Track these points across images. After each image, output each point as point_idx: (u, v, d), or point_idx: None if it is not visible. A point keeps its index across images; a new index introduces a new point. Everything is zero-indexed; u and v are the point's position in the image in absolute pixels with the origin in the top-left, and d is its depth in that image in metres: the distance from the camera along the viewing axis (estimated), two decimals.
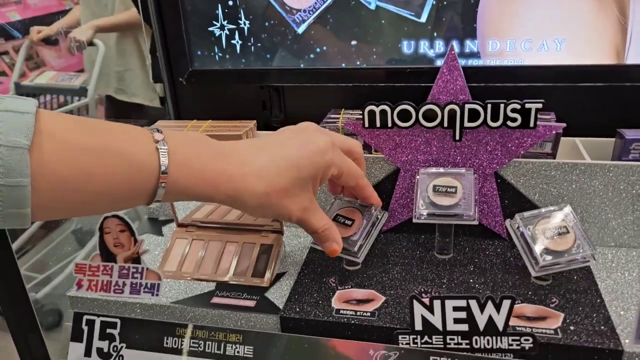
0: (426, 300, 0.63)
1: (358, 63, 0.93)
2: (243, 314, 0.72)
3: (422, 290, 0.73)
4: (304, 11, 0.91)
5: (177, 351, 0.70)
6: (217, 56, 0.98)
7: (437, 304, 0.62)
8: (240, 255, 0.81)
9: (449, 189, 0.75)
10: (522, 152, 0.77)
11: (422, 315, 0.63)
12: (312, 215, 0.62)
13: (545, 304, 0.68)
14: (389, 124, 0.78)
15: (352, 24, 0.90)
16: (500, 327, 0.61)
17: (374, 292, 0.73)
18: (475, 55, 0.88)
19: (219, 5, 0.94)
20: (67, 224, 2.34)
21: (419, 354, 0.62)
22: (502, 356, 0.62)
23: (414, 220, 0.75)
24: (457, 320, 0.62)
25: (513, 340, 0.61)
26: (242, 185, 0.54)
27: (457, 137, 0.77)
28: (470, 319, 0.62)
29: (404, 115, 0.77)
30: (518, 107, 0.73)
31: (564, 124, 0.77)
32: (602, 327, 0.64)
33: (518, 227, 0.71)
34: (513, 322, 0.66)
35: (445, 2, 0.85)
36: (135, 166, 0.49)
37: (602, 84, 0.85)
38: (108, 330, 0.73)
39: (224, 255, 0.82)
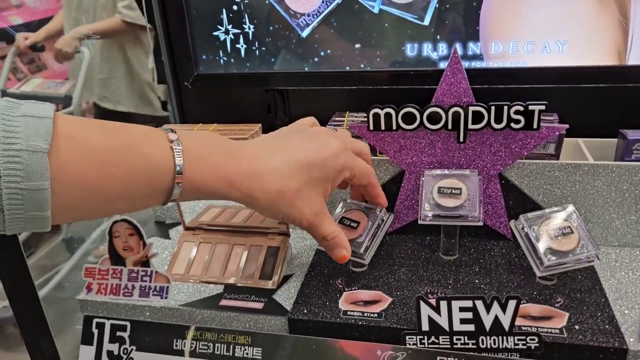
0: (433, 301, 0.63)
1: (362, 66, 0.94)
2: (251, 315, 0.73)
3: (428, 291, 0.74)
4: (308, 15, 0.92)
5: (189, 353, 0.71)
6: (222, 60, 0.99)
7: (443, 304, 0.63)
8: (247, 258, 0.82)
9: (453, 191, 0.75)
10: (525, 153, 0.78)
11: (428, 316, 0.64)
12: (322, 221, 0.62)
13: (550, 303, 0.69)
14: (394, 127, 0.79)
15: (356, 27, 0.91)
16: (507, 327, 0.62)
17: (381, 293, 0.74)
18: (478, 57, 0.89)
19: (224, 10, 0.95)
20: (57, 234, 2.32)
21: (426, 355, 0.63)
22: (508, 356, 0.62)
23: (420, 222, 0.75)
24: (463, 321, 0.63)
25: (519, 340, 0.62)
26: (255, 183, 0.55)
27: (462, 139, 0.78)
28: (477, 319, 0.63)
29: (409, 118, 0.78)
30: (521, 109, 0.74)
31: (567, 125, 0.78)
32: (607, 326, 0.64)
33: (522, 228, 0.72)
34: (519, 322, 0.66)
35: (447, 5, 0.86)
36: (151, 165, 0.50)
37: (604, 85, 0.86)
38: (118, 333, 0.74)
39: (231, 257, 0.83)
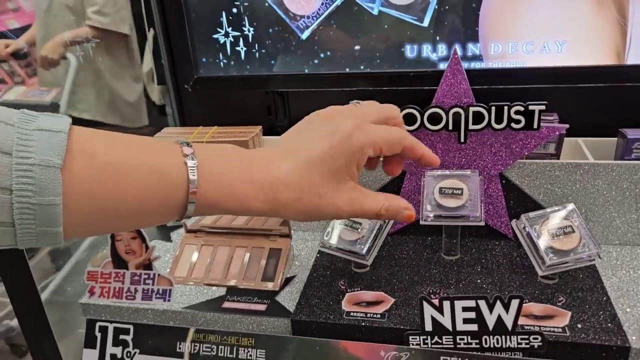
0: (436, 301, 0.64)
1: (362, 67, 0.94)
2: (254, 317, 0.73)
3: (431, 291, 0.74)
4: (308, 17, 0.92)
5: (190, 356, 0.71)
6: (222, 63, 0.99)
7: (446, 304, 0.63)
8: (249, 260, 0.82)
9: (455, 191, 0.76)
10: (526, 153, 0.78)
11: (432, 316, 0.64)
12: (364, 203, 0.57)
13: (552, 302, 0.69)
14: None
15: (355, 29, 0.91)
16: (510, 326, 0.62)
17: (383, 294, 0.74)
18: (477, 58, 0.89)
19: (223, 13, 0.95)
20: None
21: (430, 354, 0.63)
22: (511, 355, 0.63)
23: (421, 222, 0.76)
24: (466, 321, 0.63)
25: (522, 339, 0.62)
26: (272, 196, 0.52)
27: (462, 140, 0.78)
28: (480, 319, 0.63)
29: (409, 119, 0.78)
30: (522, 109, 0.74)
31: (567, 125, 0.78)
32: (609, 325, 0.65)
33: (524, 227, 0.72)
34: (521, 321, 0.67)
35: (447, 7, 0.87)
36: (164, 181, 0.48)
37: (603, 85, 0.86)
38: (121, 337, 0.75)
39: (233, 260, 0.83)
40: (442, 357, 0.62)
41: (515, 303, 0.62)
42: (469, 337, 0.63)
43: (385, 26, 0.90)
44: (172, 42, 1.03)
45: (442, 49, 0.90)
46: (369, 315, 0.70)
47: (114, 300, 0.78)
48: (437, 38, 0.89)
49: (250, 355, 0.69)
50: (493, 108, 0.75)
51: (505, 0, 0.85)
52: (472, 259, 0.80)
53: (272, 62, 0.97)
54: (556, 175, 0.80)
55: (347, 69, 0.94)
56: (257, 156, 0.54)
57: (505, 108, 0.75)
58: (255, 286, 0.79)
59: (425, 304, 0.64)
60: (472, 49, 0.89)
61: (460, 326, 0.63)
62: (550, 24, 0.84)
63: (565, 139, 0.86)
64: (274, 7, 0.93)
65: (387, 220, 0.76)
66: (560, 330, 0.65)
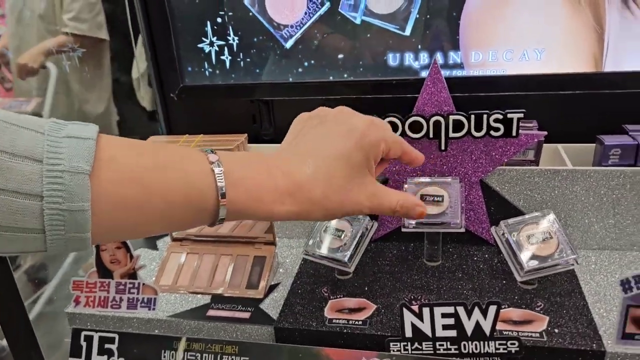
0: (415, 308, 0.65)
1: (345, 76, 0.95)
2: (238, 325, 0.74)
3: (412, 297, 0.75)
4: (291, 26, 0.93)
5: None
6: (207, 72, 1.00)
7: (426, 311, 0.64)
8: (234, 268, 0.83)
9: (436, 198, 0.77)
10: (505, 160, 0.79)
11: (412, 323, 0.65)
12: (383, 198, 0.59)
13: (531, 307, 0.71)
14: None
15: (339, 38, 0.92)
16: (488, 332, 0.63)
17: (366, 301, 0.75)
18: (459, 66, 0.90)
19: (208, 22, 0.96)
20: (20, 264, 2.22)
21: None
22: None
23: (403, 230, 0.77)
24: (445, 327, 0.64)
25: (500, 344, 0.63)
26: (299, 196, 0.54)
27: (443, 147, 0.80)
28: (459, 325, 0.64)
29: (391, 127, 0.79)
30: (500, 117, 0.76)
31: (545, 132, 0.79)
32: (586, 329, 0.66)
33: (503, 234, 0.73)
34: (500, 326, 0.68)
35: (428, 16, 0.88)
36: (192, 188, 0.49)
37: (582, 92, 0.87)
38: (106, 346, 0.75)
39: (218, 268, 0.84)
40: None
41: (492, 309, 0.63)
42: (448, 343, 0.64)
43: (368, 35, 0.91)
44: (158, 51, 1.03)
45: (424, 57, 0.91)
46: (350, 322, 0.71)
47: (99, 309, 0.78)
48: (419, 46, 0.90)
49: None
50: (472, 116, 0.77)
51: (484, 9, 0.86)
52: (453, 264, 0.81)
53: (257, 70, 0.98)
54: (535, 182, 0.81)
55: (331, 77, 0.95)
56: (278, 162, 0.55)
57: (485, 116, 0.76)
58: (240, 294, 0.80)
59: (405, 310, 0.65)
60: (454, 57, 0.90)
61: (440, 332, 0.64)
62: (529, 33, 0.86)
63: (545, 145, 0.87)
64: (258, 16, 0.94)
65: (369, 228, 0.77)
66: (537, 335, 0.66)
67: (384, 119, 0.79)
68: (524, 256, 0.70)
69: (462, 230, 0.75)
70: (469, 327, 0.64)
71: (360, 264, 0.78)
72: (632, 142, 0.79)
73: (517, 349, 0.63)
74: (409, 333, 0.65)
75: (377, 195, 0.58)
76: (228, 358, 0.70)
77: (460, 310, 0.64)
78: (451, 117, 0.77)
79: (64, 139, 0.44)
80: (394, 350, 0.65)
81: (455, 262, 0.82)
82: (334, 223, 0.77)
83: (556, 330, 0.66)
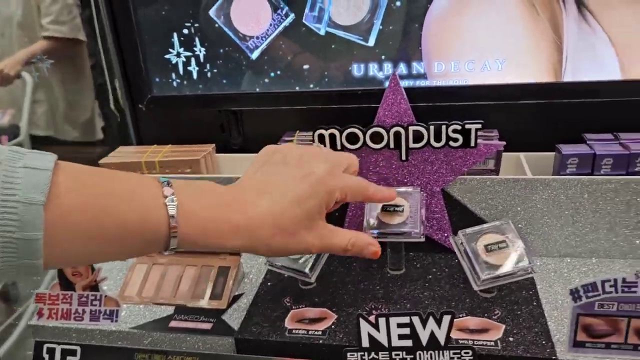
0: (372, 318, 0.65)
1: (311, 86, 0.96)
2: (200, 336, 0.74)
3: (373, 306, 0.76)
4: (257, 38, 0.94)
5: None
6: (175, 82, 1.00)
7: (382, 321, 0.65)
8: (199, 279, 0.83)
9: (396, 208, 0.78)
10: (466, 169, 0.80)
11: (368, 333, 0.65)
12: (332, 239, 0.61)
13: (488, 316, 0.71)
14: (338, 147, 0.81)
15: (304, 49, 0.93)
16: (442, 341, 0.64)
17: (327, 311, 0.75)
18: (422, 76, 0.92)
19: (175, 34, 0.96)
20: None
21: None
22: None
23: None
24: (401, 336, 0.65)
25: (454, 353, 0.64)
26: (247, 234, 0.55)
27: (404, 158, 0.81)
28: (414, 335, 0.64)
29: (352, 138, 0.80)
30: (459, 127, 0.77)
31: (504, 142, 0.80)
32: (540, 338, 0.67)
33: (461, 243, 0.74)
34: (457, 335, 0.69)
35: (391, 27, 0.89)
36: (145, 220, 0.50)
37: (542, 101, 0.89)
38: (69, 358, 0.75)
39: (183, 279, 0.84)
40: None
41: (447, 319, 0.63)
42: (404, 353, 0.65)
43: (333, 46, 0.92)
44: (126, 62, 1.04)
45: (388, 68, 0.92)
46: (310, 332, 0.71)
47: (62, 321, 0.78)
48: (383, 57, 0.91)
49: None
50: (432, 127, 0.78)
51: (446, 21, 0.87)
52: (416, 273, 0.82)
53: (224, 81, 0.99)
54: (496, 190, 0.82)
55: (297, 88, 0.96)
56: (234, 195, 0.57)
57: (444, 127, 0.77)
58: (204, 304, 0.80)
59: (362, 321, 0.65)
60: (417, 67, 0.91)
61: (396, 342, 0.65)
62: (490, 44, 0.87)
63: (508, 154, 0.88)
64: (224, 28, 0.94)
65: None
66: (492, 343, 0.67)
67: (344, 130, 0.79)
68: (481, 266, 0.71)
69: (422, 239, 0.76)
70: (424, 336, 0.64)
71: (325, 273, 0.79)
72: (589, 152, 0.81)
73: (471, 357, 0.63)
74: (365, 343, 0.66)
75: (326, 237, 0.60)
76: None
77: (416, 320, 0.64)
78: (411, 128, 0.78)
79: (20, 169, 0.45)
80: None
81: (419, 270, 0.83)
82: None
83: (511, 339, 0.67)
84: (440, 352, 0.64)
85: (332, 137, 0.81)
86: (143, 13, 0.97)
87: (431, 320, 0.64)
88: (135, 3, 0.97)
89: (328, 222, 0.61)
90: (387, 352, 0.65)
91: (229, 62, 0.97)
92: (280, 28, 0.92)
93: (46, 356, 0.76)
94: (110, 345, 0.75)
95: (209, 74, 0.98)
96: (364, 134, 0.80)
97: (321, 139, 0.81)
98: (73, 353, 0.75)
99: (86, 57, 1.88)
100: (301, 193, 0.57)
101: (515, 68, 0.88)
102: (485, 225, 0.75)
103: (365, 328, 0.66)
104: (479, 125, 0.77)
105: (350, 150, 0.81)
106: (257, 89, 0.98)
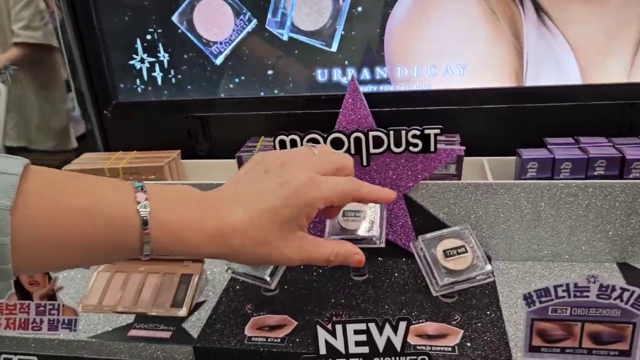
0: (329, 325, 0.65)
1: (276, 92, 0.95)
2: (159, 345, 0.73)
3: (334, 313, 0.76)
4: (220, 43, 0.93)
5: None
6: (139, 88, 1.00)
7: (339, 328, 0.65)
8: (160, 286, 0.83)
9: (356, 214, 0.77)
10: (427, 174, 0.80)
11: (325, 340, 0.65)
12: (313, 250, 0.59)
13: (447, 321, 0.71)
14: None
15: (267, 54, 0.93)
16: (398, 347, 0.64)
17: (287, 318, 0.75)
18: (385, 81, 0.92)
19: (138, 40, 0.96)
20: None
21: None
22: None
23: None
24: (358, 343, 0.64)
25: (410, 359, 0.64)
26: (221, 241, 0.54)
27: (365, 163, 0.81)
28: (370, 341, 0.64)
29: (313, 143, 0.80)
30: (418, 133, 0.77)
31: (464, 147, 0.81)
32: (497, 342, 0.67)
33: (421, 249, 0.74)
34: (415, 341, 0.69)
35: (353, 32, 0.89)
36: (116, 228, 0.50)
37: (504, 105, 0.89)
38: None
39: (145, 286, 0.83)
40: None
41: (403, 325, 0.63)
42: (361, 359, 0.65)
43: (296, 51, 0.92)
44: (91, 68, 1.03)
45: (351, 73, 0.92)
46: (269, 339, 0.71)
47: (20, 331, 0.77)
48: (346, 62, 0.91)
49: None
50: (391, 133, 0.78)
51: (407, 26, 0.88)
52: (379, 278, 0.82)
53: (189, 87, 0.98)
54: (458, 195, 0.82)
55: (262, 93, 0.96)
56: (210, 202, 0.56)
57: (403, 132, 0.77)
58: (165, 312, 0.79)
59: (319, 328, 0.65)
60: (380, 72, 0.91)
61: (353, 349, 0.65)
62: (452, 49, 0.87)
63: (471, 158, 0.89)
64: (187, 33, 0.94)
65: None
66: (450, 349, 0.67)
67: (305, 135, 0.79)
68: (439, 271, 0.71)
69: (383, 245, 0.76)
70: (380, 343, 0.64)
71: (288, 278, 0.79)
72: (548, 156, 0.81)
73: None
74: (323, 350, 0.65)
75: (305, 249, 0.58)
76: None
77: (372, 327, 0.64)
78: (371, 134, 0.78)
79: None
80: None
81: (381, 275, 0.83)
82: None
83: (468, 344, 0.67)
84: (397, 358, 0.64)
85: (293, 142, 0.80)
86: (106, 19, 0.96)
87: (387, 326, 0.64)
88: (98, 9, 0.96)
89: None
90: (344, 359, 0.65)
91: (193, 67, 0.97)
92: (244, 33, 0.92)
93: None
94: (68, 355, 0.74)
95: (173, 80, 0.98)
96: (325, 140, 0.80)
97: (282, 144, 0.81)
98: None
99: (59, 64, 1.87)
100: (274, 204, 0.55)
101: (477, 73, 0.88)
102: (444, 231, 0.75)
103: (322, 335, 0.65)
104: (438, 131, 0.77)
105: None
106: (222, 95, 0.97)
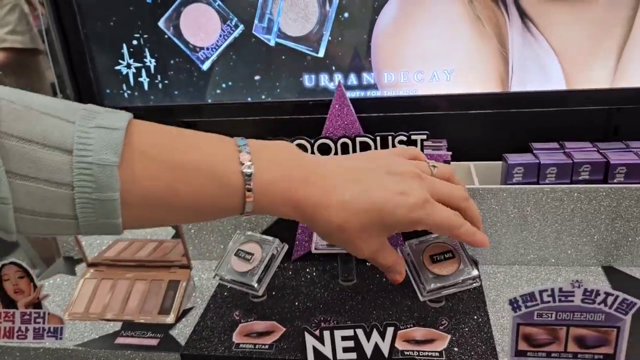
0: (317, 332, 0.65)
1: (263, 97, 0.95)
2: (146, 353, 0.73)
3: (322, 319, 0.76)
4: (207, 49, 0.93)
5: None
6: (126, 94, 0.99)
7: (326, 334, 0.65)
8: (148, 293, 0.82)
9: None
10: None
11: (313, 346, 0.65)
12: (380, 255, 0.60)
13: (435, 326, 0.72)
14: None
15: (254, 60, 0.93)
16: (386, 353, 0.64)
17: (275, 324, 0.75)
18: (373, 87, 0.92)
19: (124, 45, 0.95)
20: None
21: None
22: None
23: (313, 251, 0.77)
24: (346, 349, 0.65)
25: None
26: (320, 213, 0.54)
27: None
28: (358, 347, 0.64)
29: (301, 149, 0.80)
30: (405, 138, 0.77)
31: (450, 153, 0.81)
32: (483, 347, 0.67)
33: (408, 254, 0.74)
34: (403, 346, 0.69)
35: (340, 38, 0.89)
36: (220, 186, 0.51)
37: (491, 111, 0.90)
38: None
39: (132, 293, 0.83)
40: None
41: (390, 330, 0.63)
42: None
43: (283, 57, 0.92)
44: (77, 73, 1.02)
45: (338, 79, 0.92)
46: (257, 346, 0.71)
47: (5, 340, 0.76)
48: (333, 68, 0.92)
49: None
50: (378, 138, 0.78)
51: (394, 32, 0.88)
52: (367, 283, 0.82)
53: (176, 92, 0.98)
54: None
55: (249, 99, 0.96)
56: (319, 170, 0.56)
57: (390, 137, 0.78)
58: (152, 320, 0.79)
59: (307, 334, 0.65)
60: (367, 78, 0.92)
61: (341, 355, 0.65)
62: (438, 54, 0.88)
63: (458, 163, 0.89)
64: (174, 39, 0.94)
65: (279, 250, 0.77)
66: (437, 354, 0.67)
67: (292, 141, 0.79)
68: (426, 276, 0.71)
69: None
70: (368, 349, 0.64)
71: (276, 284, 0.78)
72: (534, 161, 0.82)
73: None
74: (311, 357, 0.65)
75: (377, 252, 0.60)
76: None
77: (360, 333, 0.64)
78: (358, 139, 0.78)
79: (93, 129, 0.45)
80: None
81: (370, 280, 0.83)
82: (244, 247, 0.77)
83: (455, 349, 0.67)
84: None
85: None
86: (92, 24, 0.96)
87: (375, 332, 0.64)
88: (83, 14, 0.95)
89: None
90: None
91: (180, 73, 0.96)
92: (230, 39, 0.92)
93: None
94: None
95: (160, 85, 0.98)
96: (312, 145, 0.80)
97: None
98: None
99: (45, 67, 1.86)
100: (385, 208, 0.55)
101: (463, 78, 0.89)
102: (431, 236, 0.75)
103: (310, 341, 0.65)
104: (425, 136, 0.77)
105: None
106: (209, 100, 0.97)
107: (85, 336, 0.77)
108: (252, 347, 0.71)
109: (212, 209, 0.52)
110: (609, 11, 0.82)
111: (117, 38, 0.95)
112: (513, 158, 0.83)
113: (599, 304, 0.59)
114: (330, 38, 0.89)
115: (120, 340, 0.75)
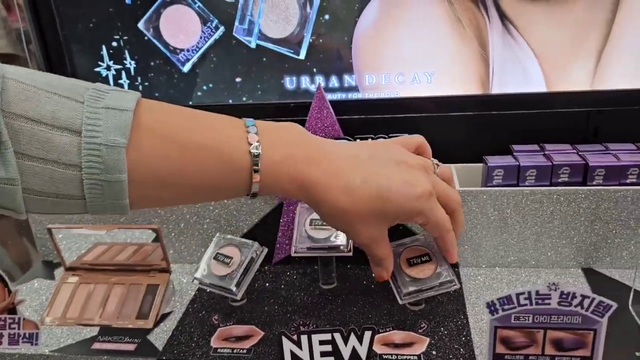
0: (295, 336, 0.64)
1: (244, 99, 0.95)
2: (123, 358, 0.72)
3: (301, 322, 0.75)
4: (187, 50, 0.93)
5: None
6: None
7: (304, 338, 0.64)
8: (126, 298, 0.81)
9: (324, 223, 0.77)
10: None
11: (291, 351, 0.65)
12: (377, 246, 0.61)
13: (414, 329, 0.71)
14: None
15: (235, 61, 0.92)
16: (364, 357, 0.64)
17: (254, 328, 0.74)
18: (354, 89, 0.92)
19: (103, 46, 0.94)
20: None
21: None
22: None
23: (292, 254, 0.77)
24: (323, 354, 0.64)
25: None
26: (325, 195, 0.55)
27: None
28: (336, 351, 0.64)
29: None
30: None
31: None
32: (462, 350, 0.67)
33: None
34: (382, 349, 0.69)
35: (321, 40, 0.89)
36: (227, 167, 0.51)
37: (472, 113, 0.90)
38: None
39: (110, 298, 0.82)
40: None
41: (368, 334, 0.63)
42: None
43: (264, 59, 0.92)
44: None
45: (319, 81, 0.92)
46: (235, 350, 0.70)
47: None
48: (314, 70, 0.91)
49: None
50: (358, 140, 0.78)
51: (375, 34, 0.88)
52: (347, 287, 0.82)
53: (157, 94, 0.97)
54: None
55: (230, 101, 0.95)
56: (325, 151, 0.56)
57: (370, 140, 0.77)
58: (130, 324, 0.78)
59: (284, 339, 0.64)
60: (349, 80, 0.91)
61: (318, 359, 0.64)
62: (419, 57, 0.88)
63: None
64: (154, 40, 0.93)
65: (258, 253, 0.77)
66: (415, 357, 0.67)
67: None
68: (403, 280, 0.71)
69: (350, 254, 0.75)
70: (345, 353, 0.64)
71: (256, 288, 0.78)
72: (514, 163, 0.82)
73: None
74: None
75: (376, 241, 0.60)
76: None
77: (337, 337, 0.64)
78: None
79: (102, 109, 0.45)
80: None
81: (350, 284, 0.83)
82: (223, 250, 0.77)
83: (434, 352, 0.67)
84: None
85: None
86: (70, 25, 0.95)
87: (352, 336, 0.64)
88: (62, 15, 0.94)
89: None
90: None
91: (160, 75, 0.95)
92: (211, 41, 0.91)
93: None
94: None
95: (140, 87, 0.97)
96: None
97: None
98: None
99: None
100: (391, 195, 0.55)
101: (444, 81, 0.89)
102: (407, 239, 0.75)
103: (287, 346, 0.65)
104: None
105: None
106: (190, 102, 0.96)
107: (61, 342, 0.76)
108: (230, 351, 0.70)
109: (218, 189, 0.53)
110: (588, 13, 0.82)
111: (97, 40, 0.94)
112: (493, 160, 0.83)
113: (575, 306, 0.59)
114: (311, 40, 0.89)
115: (97, 345, 0.75)
